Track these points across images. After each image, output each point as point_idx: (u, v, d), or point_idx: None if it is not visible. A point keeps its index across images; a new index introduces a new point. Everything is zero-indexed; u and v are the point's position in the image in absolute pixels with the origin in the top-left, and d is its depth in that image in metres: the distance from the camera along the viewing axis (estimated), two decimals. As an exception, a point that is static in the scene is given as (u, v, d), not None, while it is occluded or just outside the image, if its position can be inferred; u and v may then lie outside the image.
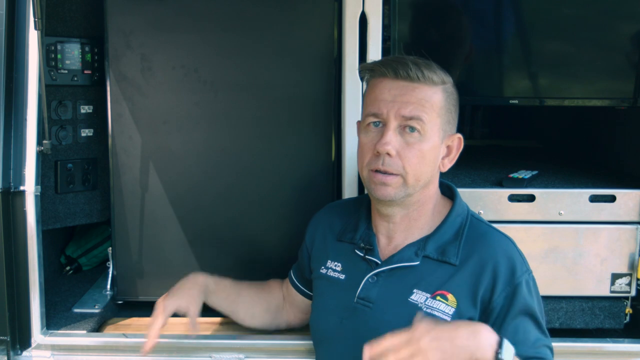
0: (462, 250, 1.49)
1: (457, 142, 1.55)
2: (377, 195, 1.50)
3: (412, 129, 1.46)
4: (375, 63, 1.55)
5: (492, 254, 1.47)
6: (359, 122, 1.57)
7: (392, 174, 1.47)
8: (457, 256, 1.49)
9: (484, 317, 1.45)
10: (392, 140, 1.45)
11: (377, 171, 1.48)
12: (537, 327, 1.46)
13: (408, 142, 1.46)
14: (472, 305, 1.45)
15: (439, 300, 1.46)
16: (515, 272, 1.45)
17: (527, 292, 1.45)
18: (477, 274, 1.46)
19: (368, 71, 1.56)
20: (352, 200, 1.81)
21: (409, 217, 1.56)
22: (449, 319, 1.44)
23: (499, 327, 1.42)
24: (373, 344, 1.27)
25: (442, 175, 1.60)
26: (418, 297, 1.48)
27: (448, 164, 1.56)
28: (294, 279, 1.85)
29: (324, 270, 1.66)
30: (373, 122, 1.50)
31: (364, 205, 1.68)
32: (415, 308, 1.46)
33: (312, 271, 1.75)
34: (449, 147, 1.54)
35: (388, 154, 1.45)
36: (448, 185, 1.63)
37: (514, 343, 1.33)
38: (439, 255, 1.50)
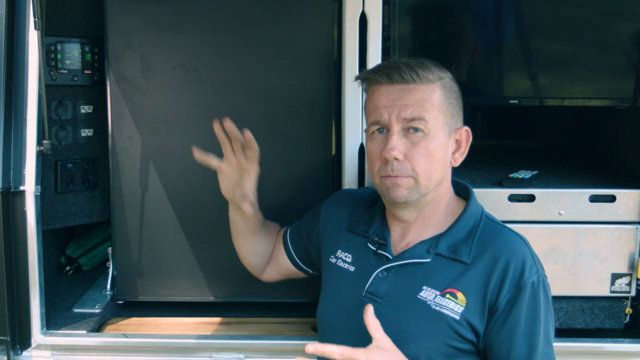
0: (474, 249, 1.49)
1: (465, 134, 1.54)
2: (391, 196, 1.50)
3: (416, 129, 1.46)
4: (368, 71, 1.56)
5: (504, 253, 1.46)
6: (366, 131, 1.58)
7: (403, 176, 1.48)
8: (469, 255, 1.48)
9: (489, 315, 1.44)
10: (397, 144, 1.46)
11: (388, 177, 1.49)
12: (529, 342, 1.42)
13: (414, 143, 1.46)
14: (481, 305, 1.44)
15: (448, 298, 1.45)
16: (524, 274, 1.43)
17: (531, 298, 1.43)
18: (487, 272, 1.45)
19: (363, 80, 1.58)
20: (367, 193, 1.78)
21: (423, 216, 1.55)
22: (457, 317, 1.43)
23: (497, 331, 1.42)
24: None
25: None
26: (427, 294, 1.47)
27: (460, 158, 1.55)
28: (289, 241, 1.83)
29: (333, 260, 1.66)
30: (377, 129, 1.51)
31: (380, 200, 1.67)
32: (424, 305, 1.46)
33: (321, 254, 1.73)
34: (457, 141, 1.54)
35: (396, 159, 1.46)
36: (465, 185, 1.63)
37: (499, 355, 1.40)
38: (451, 253, 1.50)
